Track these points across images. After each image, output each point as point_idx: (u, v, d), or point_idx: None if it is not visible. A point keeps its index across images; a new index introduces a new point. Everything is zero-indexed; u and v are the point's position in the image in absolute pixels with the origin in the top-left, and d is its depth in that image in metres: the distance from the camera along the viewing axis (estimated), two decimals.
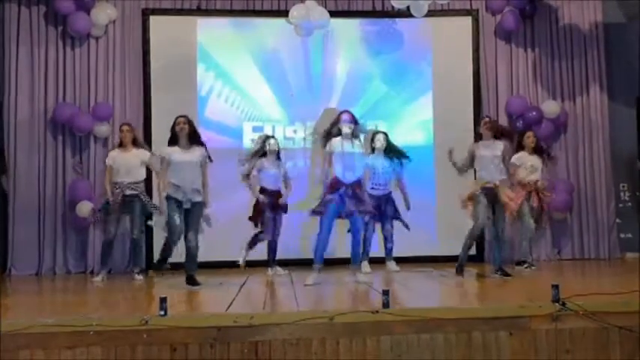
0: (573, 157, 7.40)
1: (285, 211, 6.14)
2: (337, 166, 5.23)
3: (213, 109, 7.23)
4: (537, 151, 6.38)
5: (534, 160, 6.32)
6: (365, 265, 6.10)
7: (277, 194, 6.11)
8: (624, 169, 7.53)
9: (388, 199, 6.20)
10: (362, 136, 5.50)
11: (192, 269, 5.19)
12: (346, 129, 5.27)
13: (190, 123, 5.22)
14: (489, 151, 5.53)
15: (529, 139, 6.36)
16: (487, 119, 5.80)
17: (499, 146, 5.55)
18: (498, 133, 5.60)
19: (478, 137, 5.72)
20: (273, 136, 6.40)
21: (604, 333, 3.66)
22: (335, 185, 5.20)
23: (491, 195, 5.46)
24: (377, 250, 6.45)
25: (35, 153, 6.81)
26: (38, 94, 6.88)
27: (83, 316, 3.67)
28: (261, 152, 6.17)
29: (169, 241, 5.15)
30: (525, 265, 6.12)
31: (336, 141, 5.28)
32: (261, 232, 6.07)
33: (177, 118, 5.26)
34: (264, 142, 6.22)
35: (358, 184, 5.25)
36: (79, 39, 6.98)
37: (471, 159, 5.62)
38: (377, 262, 6.33)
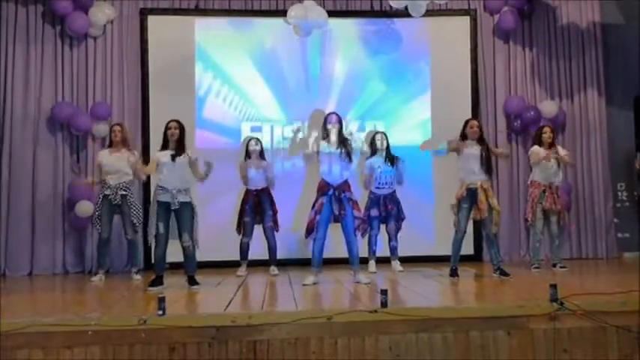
0: (571, 157, 7.40)
1: (272, 208, 6.14)
2: (323, 168, 5.25)
3: (211, 109, 7.23)
4: (553, 147, 6.11)
5: (550, 157, 6.04)
6: (371, 265, 6.14)
7: (260, 192, 6.12)
8: (622, 169, 7.54)
9: (393, 198, 6.22)
10: (352, 137, 5.52)
11: (192, 270, 5.19)
12: (332, 130, 5.28)
13: (181, 128, 5.24)
14: (473, 150, 5.54)
15: (546, 134, 6.11)
16: (476, 122, 5.69)
17: (479, 148, 5.54)
18: (481, 140, 5.60)
19: (462, 137, 5.68)
20: (254, 137, 6.41)
21: (602, 332, 3.67)
22: (323, 188, 5.22)
23: (475, 197, 5.48)
24: (382, 249, 6.43)
25: (31, 152, 6.78)
26: (36, 93, 6.86)
27: (81, 315, 3.67)
28: (245, 154, 6.26)
29: (156, 254, 5.15)
30: (560, 266, 6.04)
31: (322, 142, 5.30)
32: (242, 237, 6.14)
33: (169, 122, 5.27)
34: (247, 144, 6.30)
35: (346, 185, 5.24)
36: (77, 39, 6.98)
37: (457, 149, 5.62)
38: (381, 261, 6.32)
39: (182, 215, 5.11)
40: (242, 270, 6.11)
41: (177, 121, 5.27)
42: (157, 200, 5.11)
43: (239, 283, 5.49)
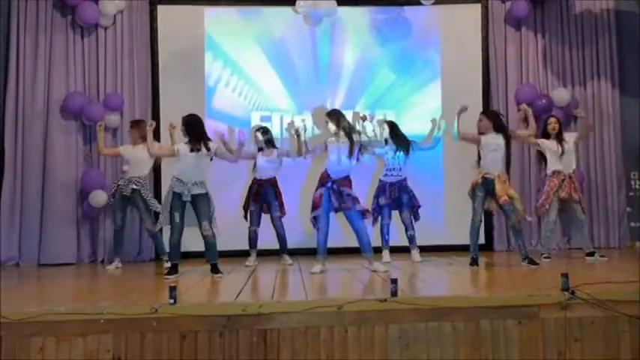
0: (583, 146, 7.32)
1: (277, 198, 6.12)
2: (329, 159, 5.28)
3: (220, 99, 7.25)
4: (560, 136, 6.02)
5: (559, 146, 5.97)
6: (385, 255, 6.06)
7: (265, 182, 6.11)
8: (635, 158, 7.47)
9: (402, 186, 6.12)
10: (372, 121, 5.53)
11: (213, 258, 5.24)
12: (336, 124, 5.28)
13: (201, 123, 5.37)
14: (493, 140, 5.51)
15: (550, 125, 6.07)
16: (481, 116, 5.68)
17: (501, 139, 5.52)
18: (496, 126, 5.55)
19: (479, 132, 5.65)
20: (260, 128, 6.37)
21: (613, 322, 3.65)
22: (322, 179, 5.27)
23: (491, 186, 5.45)
24: (397, 238, 6.37)
25: (43, 142, 6.81)
26: (47, 84, 6.88)
27: (94, 304, 3.71)
28: (258, 147, 6.23)
29: (171, 242, 5.22)
30: (600, 255, 5.94)
31: (329, 137, 5.31)
32: (249, 226, 6.16)
33: (189, 118, 5.32)
34: (254, 136, 6.27)
35: (346, 181, 5.24)
36: (87, 29, 6.99)
37: (476, 141, 5.59)
38: (396, 250, 6.28)
39: (198, 205, 5.19)
40: (251, 260, 6.12)
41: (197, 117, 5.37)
42: (173, 191, 5.20)
43: (249, 272, 5.51)
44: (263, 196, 6.11)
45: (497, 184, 5.44)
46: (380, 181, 6.19)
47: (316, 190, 5.27)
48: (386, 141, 6.17)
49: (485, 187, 5.50)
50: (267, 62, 7.29)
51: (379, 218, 6.16)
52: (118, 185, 6.06)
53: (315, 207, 5.23)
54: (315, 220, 5.25)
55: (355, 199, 5.25)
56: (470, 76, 7.35)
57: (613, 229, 7.28)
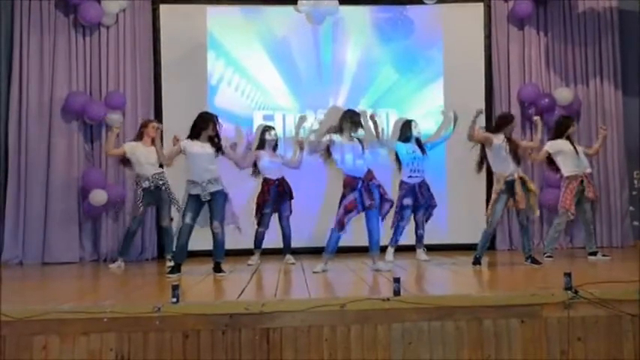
0: (586, 145, 7.31)
1: (291, 197, 6.12)
2: (345, 163, 5.17)
3: (223, 97, 7.25)
4: (571, 137, 6.00)
5: (572, 146, 5.92)
6: (388, 254, 6.00)
7: (282, 181, 6.10)
8: (638, 157, 7.45)
9: (423, 185, 6.06)
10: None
11: (219, 256, 5.22)
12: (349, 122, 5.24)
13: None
14: (502, 142, 5.43)
15: (574, 127, 6.00)
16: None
17: (505, 139, 5.46)
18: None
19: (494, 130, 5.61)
20: (272, 127, 6.32)
21: (616, 321, 3.64)
22: (350, 183, 5.14)
23: (513, 188, 5.39)
24: (405, 238, 6.29)
25: (46, 141, 6.82)
26: (50, 83, 6.88)
27: (97, 303, 3.71)
28: (259, 143, 6.12)
29: (178, 242, 5.17)
30: (602, 254, 5.91)
31: (335, 135, 5.22)
32: (258, 227, 6.10)
33: (206, 114, 5.26)
34: (262, 132, 6.17)
35: (370, 174, 5.19)
36: (89, 28, 7.00)
37: (485, 140, 5.51)
38: (401, 250, 6.24)
39: (214, 204, 5.13)
40: (254, 259, 6.12)
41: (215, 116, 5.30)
42: (189, 193, 5.14)
43: (252, 270, 5.52)
44: (282, 195, 6.07)
45: (517, 185, 5.38)
46: (405, 182, 6.03)
47: (345, 196, 5.13)
48: (408, 138, 6.07)
49: (508, 190, 5.40)
50: (270, 61, 7.29)
51: (398, 218, 6.01)
52: (144, 189, 5.90)
53: (348, 211, 5.10)
54: (343, 224, 5.12)
55: (382, 187, 5.21)
56: (472, 74, 7.34)
57: (616, 228, 7.27)
